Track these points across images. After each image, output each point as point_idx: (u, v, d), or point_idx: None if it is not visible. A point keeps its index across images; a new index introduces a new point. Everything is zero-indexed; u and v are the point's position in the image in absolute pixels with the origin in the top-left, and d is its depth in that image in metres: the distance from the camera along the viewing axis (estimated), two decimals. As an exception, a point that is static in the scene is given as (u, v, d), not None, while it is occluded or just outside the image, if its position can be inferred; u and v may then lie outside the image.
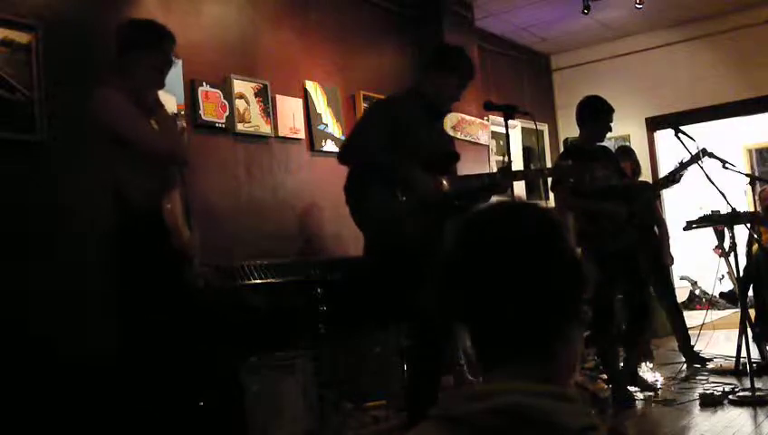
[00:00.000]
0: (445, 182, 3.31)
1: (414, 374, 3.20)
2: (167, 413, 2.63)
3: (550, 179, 4.66)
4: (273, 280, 3.99)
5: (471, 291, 0.99)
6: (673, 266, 5.67)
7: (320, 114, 4.97)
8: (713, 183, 4.13)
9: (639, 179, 5.60)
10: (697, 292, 8.28)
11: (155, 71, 2.77)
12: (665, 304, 5.41)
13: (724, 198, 4.16)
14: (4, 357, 3.04)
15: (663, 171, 7.38)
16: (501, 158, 6.64)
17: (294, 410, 3.50)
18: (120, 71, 2.76)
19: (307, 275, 4.06)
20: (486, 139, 6.40)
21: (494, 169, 5.17)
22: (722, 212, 4.60)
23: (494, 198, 3.53)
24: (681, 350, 5.26)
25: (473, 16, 6.35)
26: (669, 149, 6.60)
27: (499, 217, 1.04)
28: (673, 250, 5.52)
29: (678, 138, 4.29)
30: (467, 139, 6.04)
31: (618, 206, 4.21)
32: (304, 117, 4.84)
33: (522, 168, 6.77)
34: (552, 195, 4.79)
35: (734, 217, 4.32)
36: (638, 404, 4.09)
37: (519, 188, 6.76)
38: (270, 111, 4.58)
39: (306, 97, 4.89)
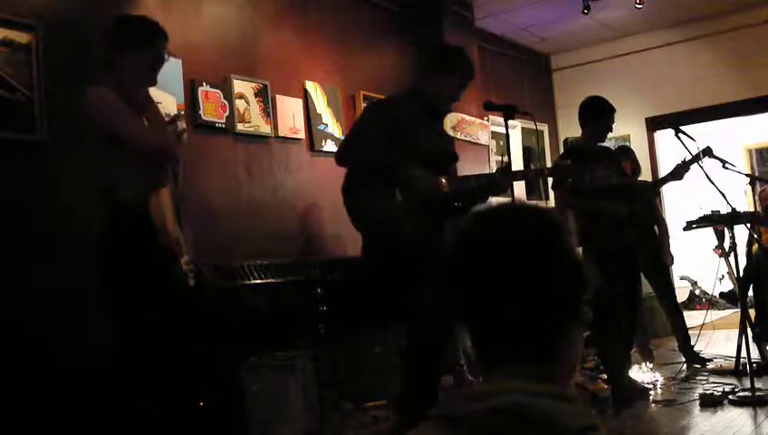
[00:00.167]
0: (444, 182, 3.31)
1: (413, 375, 3.19)
2: (164, 413, 2.63)
3: (550, 179, 4.66)
4: (273, 280, 3.99)
5: (471, 291, 0.99)
6: (673, 266, 5.67)
7: (320, 114, 4.97)
8: (713, 183, 4.13)
9: (639, 179, 5.60)
10: (697, 292, 8.28)
11: (147, 68, 2.74)
12: (665, 304, 5.41)
13: (724, 198, 4.16)
14: (4, 357, 3.05)
15: (663, 171, 7.38)
16: (500, 158, 6.64)
17: (294, 410, 3.50)
18: (111, 68, 2.73)
19: (307, 275, 4.06)
20: (486, 139, 6.40)
21: (494, 170, 5.17)
22: (722, 212, 4.60)
23: (495, 199, 3.54)
24: (681, 350, 5.25)
25: (473, 16, 6.35)
26: (669, 149, 6.60)
27: (500, 217, 1.05)
28: (673, 250, 5.52)
29: (678, 138, 4.30)
30: (467, 139, 6.04)
31: (618, 205, 4.22)
32: (304, 117, 4.84)
33: (522, 168, 6.77)
34: (552, 195, 4.80)
35: (734, 217, 4.32)
36: (638, 404, 4.08)
37: (519, 188, 6.76)
38: (270, 111, 4.58)
39: (306, 97, 4.89)
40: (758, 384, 3.96)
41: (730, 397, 3.95)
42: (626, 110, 6.61)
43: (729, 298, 7.93)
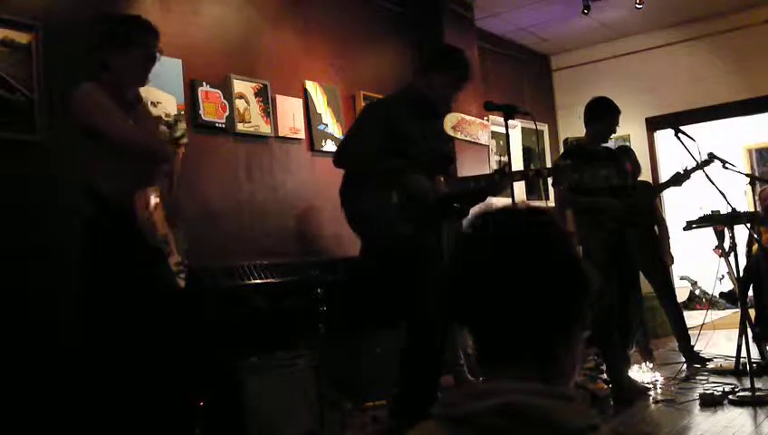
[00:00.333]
0: (443, 183, 3.31)
1: (412, 375, 3.19)
2: (163, 413, 2.62)
3: (550, 179, 4.66)
4: (273, 280, 3.99)
5: (473, 293, 0.99)
6: (673, 266, 5.67)
7: (320, 114, 4.97)
8: (713, 183, 4.13)
9: (639, 179, 5.60)
10: (697, 292, 8.27)
11: (137, 66, 2.71)
12: (665, 304, 5.41)
13: (725, 198, 4.16)
14: (4, 357, 3.05)
15: (663, 171, 7.39)
16: (500, 158, 6.64)
17: (294, 409, 3.50)
18: (101, 66, 2.69)
19: (307, 275, 4.06)
20: (486, 139, 6.40)
21: (493, 170, 5.16)
22: (722, 212, 4.60)
23: (495, 200, 3.54)
24: (681, 350, 5.25)
25: (473, 16, 6.35)
26: (669, 149, 6.60)
27: (501, 219, 1.05)
28: (673, 250, 5.52)
29: (678, 138, 4.30)
30: (467, 139, 6.04)
31: (618, 202, 4.22)
32: (304, 117, 4.84)
33: (522, 168, 6.77)
34: (552, 195, 4.80)
35: (734, 217, 4.32)
36: (638, 404, 4.08)
37: (519, 188, 6.76)
38: (270, 111, 4.58)
39: (306, 97, 4.89)
40: (758, 384, 3.96)
41: (730, 397, 3.95)
42: (626, 110, 6.53)
43: (729, 298, 7.93)
